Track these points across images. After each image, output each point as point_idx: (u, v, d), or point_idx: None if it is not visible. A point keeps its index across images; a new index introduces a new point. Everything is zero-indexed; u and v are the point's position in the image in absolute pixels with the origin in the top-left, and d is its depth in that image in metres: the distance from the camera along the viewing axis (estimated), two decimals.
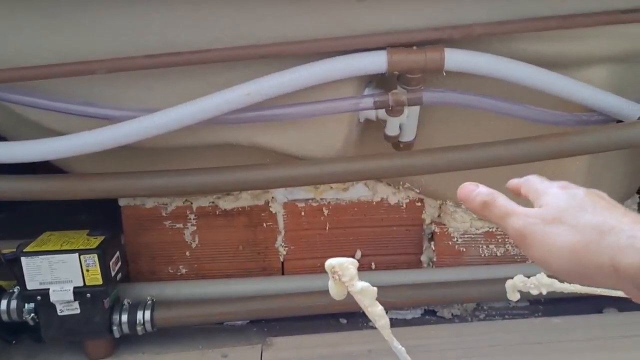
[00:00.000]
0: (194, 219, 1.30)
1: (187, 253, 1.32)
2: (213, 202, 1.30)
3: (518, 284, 0.72)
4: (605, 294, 0.78)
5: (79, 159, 1.03)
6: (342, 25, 0.97)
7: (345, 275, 0.47)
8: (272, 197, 1.30)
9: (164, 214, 1.29)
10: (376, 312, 0.46)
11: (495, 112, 1.04)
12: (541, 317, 1.25)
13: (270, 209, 1.30)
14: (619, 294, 0.79)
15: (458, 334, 1.18)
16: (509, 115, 1.05)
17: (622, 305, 1.20)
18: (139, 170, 1.05)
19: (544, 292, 0.73)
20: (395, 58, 0.96)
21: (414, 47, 0.97)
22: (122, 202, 1.29)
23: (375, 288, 0.46)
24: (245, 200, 1.30)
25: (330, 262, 0.48)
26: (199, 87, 0.98)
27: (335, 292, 0.48)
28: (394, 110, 1.02)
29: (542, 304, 1.30)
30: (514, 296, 0.73)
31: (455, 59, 0.98)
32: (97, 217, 1.36)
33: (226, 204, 1.29)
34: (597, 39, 1.03)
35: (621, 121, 1.08)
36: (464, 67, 0.99)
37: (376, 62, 0.96)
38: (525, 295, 0.71)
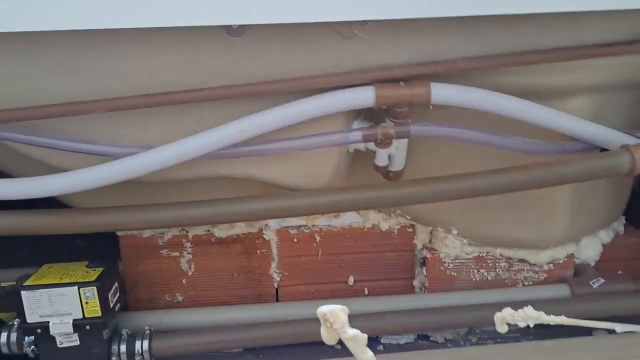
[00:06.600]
0: (189, 247, 1.32)
1: (184, 281, 1.34)
2: (208, 231, 1.32)
3: (506, 317, 0.76)
4: (590, 325, 0.82)
5: (79, 193, 1.06)
6: (331, 62, 1.00)
7: (336, 322, 0.49)
8: (266, 225, 1.33)
9: (160, 243, 1.32)
10: (366, 358, 0.49)
11: (481, 144, 1.07)
12: (533, 340, 1.27)
13: (264, 236, 1.32)
14: (605, 325, 0.82)
15: (451, 359, 1.19)
16: (495, 147, 1.08)
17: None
18: (136, 205, 1.08)
19: (531, 325, 0.76)
20: (382, 93, 1.00)
21: (401, 83, 1.01)
22: (119, 232, 1.31)
23: (365, 335, 0.49)
24: (239, 228, 1.32)
25: (322, 310, 0.50)
26: (193, 124, 1.02)
27: (327, 337, 0.50)
28: (383, 142, 1.05)
29: (534, 326, 1.32)
30: (502, 329, 0.76)
31: (441, 93, 1.01)
32: (93, 242, 1.37)
33: (221, 232, 1.31)
34: (578, 71, 1.07)
35: (604, 149, 1.11)
36: (449, 101, 1.02)
37: (364, 97, 1.00)
38: None
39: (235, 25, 0.94)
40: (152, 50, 0.97)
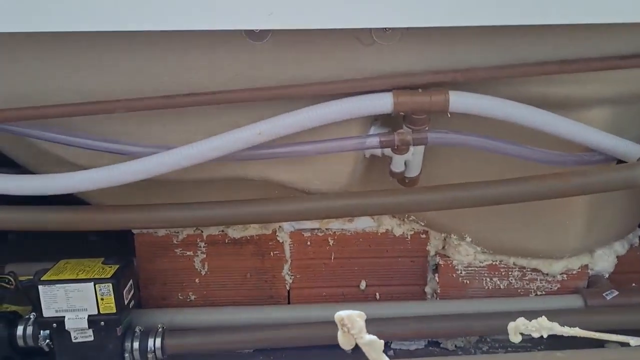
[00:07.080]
0: (203, 247, 1.34)
1: (197, 280, 1.35)
2: (222, 231, 1.33)
3: (520, 327, 0.75)
4: (604, 338, 0.81)
5: (97, 190, 1.07)
6: (350, 68, 1.01)
7: (354, 328, 0.49)
8: (280, 227, 1.33)
9: (175, 242, 1.33)
10: None
11: (499, 153, 1.07)
12: (544, 350, 1.27)
13: (278, 238, 1.33)
14: (619, 338, 0.82)
15: None
16: (512, 156, 1.08)
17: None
18: (153, 203, 1.09)
19: (545, 335, 0.75)
20: (400, 100, 1.00)
21: (419, 90, 1.01)
22: (135, 230, 1.32)
23: (382, 341, 0.49)
24: (253, 229, 1.33)
25: (340, 315, 0.51)
26: (213, 126, 1.03)
27: (344, 342, 0.51)
28: (400, 149, 1.06)
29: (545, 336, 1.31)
30: (516, 338, 0.76)
31: (460, 101, 1.01)
32: (107, 238, 1.39)
33: (235, 232, 1.33)
34: (597, 82, 1.06)
35: (621, 161, 1.11)
36: (467, 109, 1.02)
37: (382, 103, 1.00)
38: None
39: (257, 30, 0.95)
40: (174, 52, 0.98)
